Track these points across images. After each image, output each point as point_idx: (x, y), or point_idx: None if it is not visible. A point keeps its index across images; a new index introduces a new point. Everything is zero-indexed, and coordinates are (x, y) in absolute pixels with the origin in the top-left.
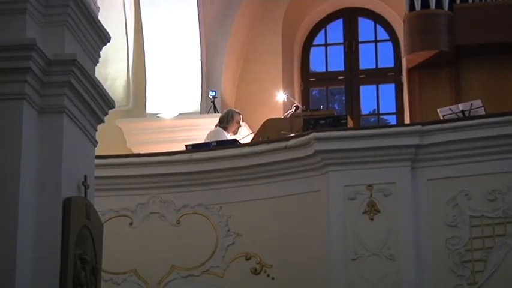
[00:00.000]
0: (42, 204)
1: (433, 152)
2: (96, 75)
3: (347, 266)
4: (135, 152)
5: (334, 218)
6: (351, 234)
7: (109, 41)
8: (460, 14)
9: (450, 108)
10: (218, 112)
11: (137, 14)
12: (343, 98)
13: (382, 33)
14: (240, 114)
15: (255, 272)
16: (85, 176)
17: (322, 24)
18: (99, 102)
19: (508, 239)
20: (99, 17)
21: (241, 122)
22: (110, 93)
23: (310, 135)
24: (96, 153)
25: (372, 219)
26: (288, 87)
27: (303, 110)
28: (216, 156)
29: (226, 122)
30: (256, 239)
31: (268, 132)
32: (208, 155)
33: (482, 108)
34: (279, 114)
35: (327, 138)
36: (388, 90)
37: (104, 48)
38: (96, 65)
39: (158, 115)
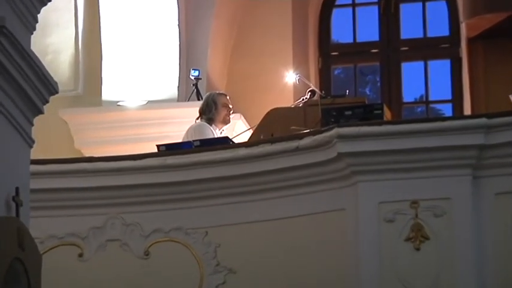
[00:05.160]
0: None
1: (503, 156)
2: (32, 47)
3: None
4: (87, 154)
5: (366, 248)
6: (389, 269)
7: (50, 0)
8: None
9: None
10: (202, 99)
11: None
12: (378, 79)
13: None
14: (225, 95)
15: None
16: (17, 189)
17: None
18: (36, 86)
19: None
20: None
21: (230, 105)
22: (51, 73)
23: (332, 132)
24: (33, 157)
25: (417, 248)
26: (300, 64)
27: (321, 97)
28: (199, 161)
29: (208, 111)
30: (255, 277)
31: (273, 128)
32: (189, 159)
33: None
34: (288, 102)
35: (356, 136)
36: (440, 68)
37: (44, 10)
38: (32, 33)
39: (119, 103)
